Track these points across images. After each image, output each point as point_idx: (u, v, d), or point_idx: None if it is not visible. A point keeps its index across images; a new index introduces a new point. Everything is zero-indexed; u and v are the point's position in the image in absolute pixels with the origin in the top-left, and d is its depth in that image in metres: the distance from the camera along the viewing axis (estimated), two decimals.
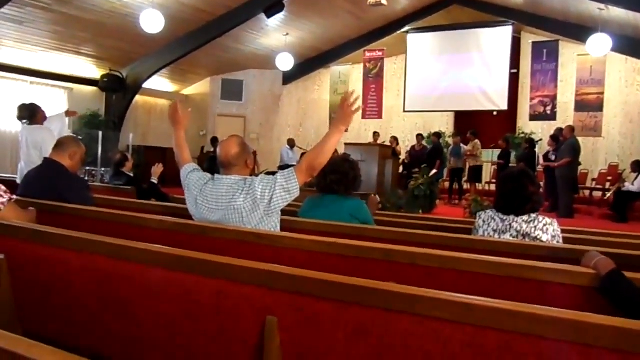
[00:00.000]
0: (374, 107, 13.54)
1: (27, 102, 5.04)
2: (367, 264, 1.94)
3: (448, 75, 12.98)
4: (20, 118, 4.82)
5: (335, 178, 2.90)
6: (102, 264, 1.72)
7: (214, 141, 12.14)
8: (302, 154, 12.35)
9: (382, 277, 1.78)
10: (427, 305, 1.20)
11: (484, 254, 1.91)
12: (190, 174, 2.64)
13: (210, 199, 2.46)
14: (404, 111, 13.87)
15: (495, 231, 2.48)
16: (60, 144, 3.23)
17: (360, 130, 14.47)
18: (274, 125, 14.84)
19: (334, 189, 2.93)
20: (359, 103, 2.53)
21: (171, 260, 1.61)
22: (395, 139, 11.94)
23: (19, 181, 4.53)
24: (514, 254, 2.03)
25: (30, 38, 9.80)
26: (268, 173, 11.31)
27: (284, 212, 2.60)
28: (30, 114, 4.79)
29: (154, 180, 4.88)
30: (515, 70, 12.76)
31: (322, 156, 2.45)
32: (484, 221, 2.55)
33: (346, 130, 2.80)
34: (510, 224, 2.44)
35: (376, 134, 12.37)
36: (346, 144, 9.84)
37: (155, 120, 13.55)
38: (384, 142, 11.75)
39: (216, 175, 2.54)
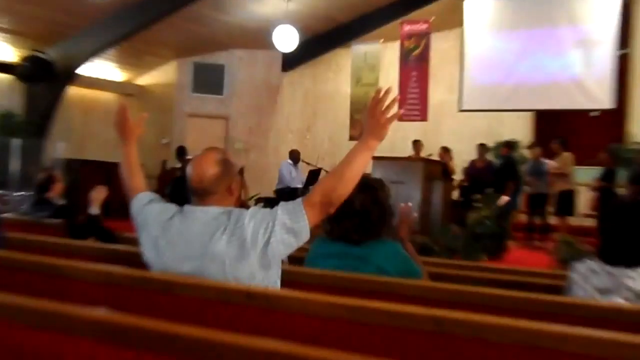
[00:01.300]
0: (415, 105, 13.46)
1: None
2: (408, 338, 1.93)
3: (526, 59, 12.93)
4: None
5: (352, 224, 2.81)
6: (17, 335, 1.72)
7: (181, 153, 12.17)
8: (311, 173, 12.68)
9: (432, 358, 1.79)
10: None
11: (584, 324, 1.88)
12: (147, 206, 2.68)
13: (177, 241, 2.47)
14: (460, 110, 13.81)
15: (599, 291, 2.46)
16: None
17: (395, 137, 14.17)
18: (270, 130, 14.98)
19: (352, 238, 2.85)
20: (396, 106, 2.52)
21: (119, 332, 1.61)
22: (446, 151, 11.95)
23: None
24: (629, 325, 1.99)
25: None
26: (261, 200, 11.35)
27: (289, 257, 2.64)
28: None
29: (94, 210, 4.84)
30: (625, 50, 12.74)
31: (343, 184, 2.46)
32: (582, 276, 2.53)
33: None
34: (621, 281, 2.42)
35: (418, 144, 12.35)
36: (374, 159, 9.64)
37: (96, 123, 13.68)
38: (429, 155, 11.73)
39: (186, 207, 2.55)
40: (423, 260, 3.27)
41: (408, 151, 12.40)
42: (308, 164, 12.86)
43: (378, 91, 2.53)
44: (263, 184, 12.88)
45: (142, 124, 3.03)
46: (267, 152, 14.69)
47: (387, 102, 2.48)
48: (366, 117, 2.52)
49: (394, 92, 2.54)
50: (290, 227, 2.40)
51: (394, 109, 2.49)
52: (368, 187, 2.84)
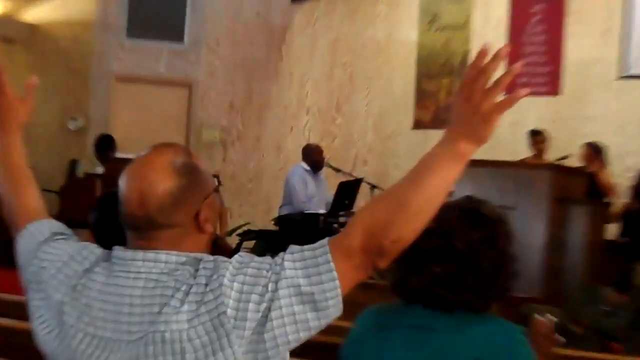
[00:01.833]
0: (539, 67, 13.45)
1: None
2: None
3: None
4: None
5: (444, 270, 2.65)
6: None
7: (105, 147, 12.11)
8: (343, 188, 12.56)
9: None
10: None
11: None
12: (47, 245, 2.51)
13: (99, 312, 2.29)
14: (623, 77, 13.65)
15: None
16: None
17: (501, 124, 14.05)
18: (268, 107, 15.04)
19: (441, 298, 2.66)
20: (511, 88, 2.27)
21: None
22: (596, 152, 11.79)
23: None
24: None
25: None
26: (251, 236, 11.36)
27: (305, 345, 2.35)
28: None
29: None
30: None
31: (408, 219, 2.23)
32: None
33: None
34: None
35: (541, 137, 12.21)
36: None
37: None
38: (563, 158, 11.60)
39: (116, 251, 2.34)
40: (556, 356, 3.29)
41: (523, 150, 12.30)
42: (338, 170, 12.79)
43: (482, 52, 2.22)
44: (256, 206, 12.84)
45: (32, 95, 2.89)
46: (262, 147, 14.62)
47: (496, 74, 2.19)
48: (458, 99, 2.30)
49: (518, 65, 2.31)
50: (308, 293, 2.18)
51: (514, 94, 2.25)
52: (480, 218, 2.74)
